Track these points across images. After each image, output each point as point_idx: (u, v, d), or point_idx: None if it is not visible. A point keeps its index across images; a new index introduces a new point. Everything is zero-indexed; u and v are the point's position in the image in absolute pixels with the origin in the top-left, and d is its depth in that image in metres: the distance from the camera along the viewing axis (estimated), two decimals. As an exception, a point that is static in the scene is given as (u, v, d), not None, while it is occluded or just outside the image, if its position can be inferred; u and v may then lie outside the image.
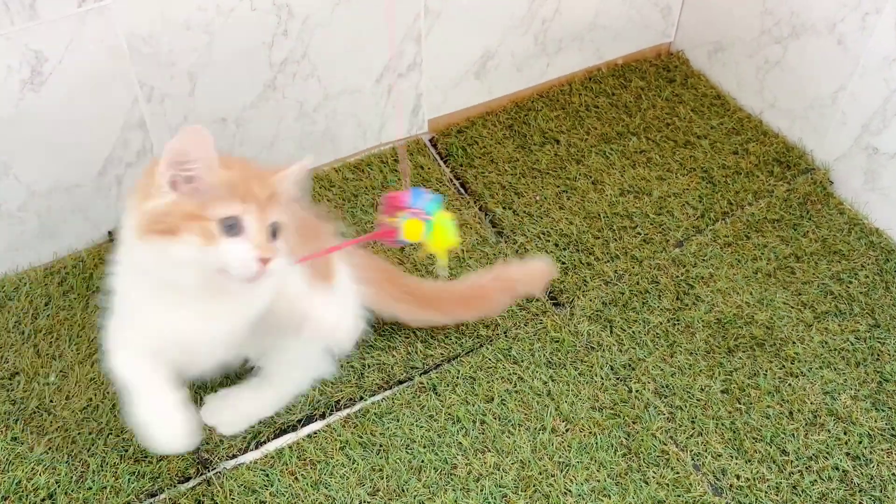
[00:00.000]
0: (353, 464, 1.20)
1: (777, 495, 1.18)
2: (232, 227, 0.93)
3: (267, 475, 1.18)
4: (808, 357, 1.33)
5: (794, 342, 1.34)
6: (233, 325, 1.05)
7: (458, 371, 1.31)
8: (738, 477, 1.20)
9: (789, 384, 1.29)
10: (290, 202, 1.02)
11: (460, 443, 1.23)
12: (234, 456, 1.21)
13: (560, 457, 1.22)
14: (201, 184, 0.93)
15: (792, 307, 1.39)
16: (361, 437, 1.23)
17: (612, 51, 1.82)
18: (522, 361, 1.33)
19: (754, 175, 1.60)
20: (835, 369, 1.31)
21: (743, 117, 1.72)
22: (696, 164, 1.62)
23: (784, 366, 1.32)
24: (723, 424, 1.25)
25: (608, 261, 1.46)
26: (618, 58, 1.84)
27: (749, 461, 1.21)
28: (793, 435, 1.24)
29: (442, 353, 1.33)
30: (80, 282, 1.40)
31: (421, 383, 1.29)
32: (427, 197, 1.05)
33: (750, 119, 1.72)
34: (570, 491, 1.18)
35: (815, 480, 1.19)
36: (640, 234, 1.51)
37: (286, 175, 1.00)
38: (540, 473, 1.20)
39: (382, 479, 1.19)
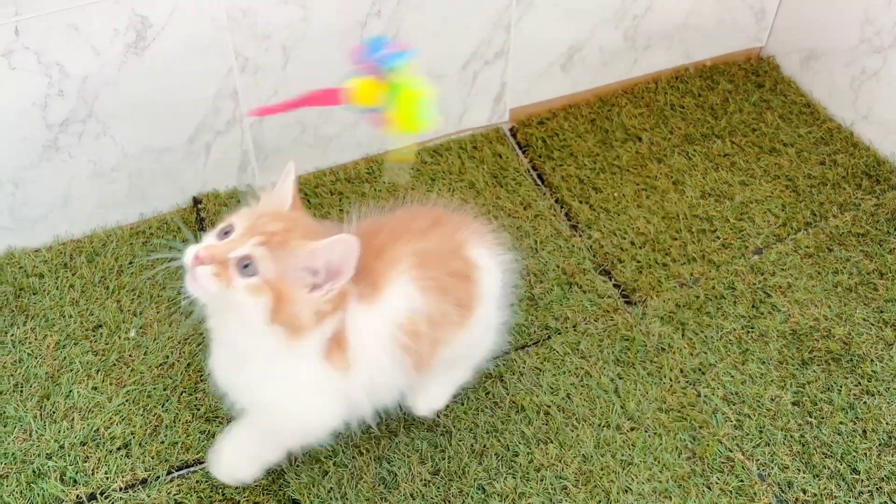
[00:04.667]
0: (416, 442, 1.21)
1: (844, 514, 1.15)
2: (227, 234, 0.92)
3: (332, 447, 1.20)
4: (887, 376, 1.29)
5: (872, 360, 1.31)
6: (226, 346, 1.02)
7: (525, 361, 1.31)
8: (804, 491, 1.17)
9: (864, 402, 1.26)
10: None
11: (523, 432, 1.23)
12: (302, 424, 1.24)
13: (623, 455, 1.21)
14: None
15: (872, 324, 1.36)
16: (426, 419, 1.24)
17: (701, 52, 1.79)
18: (591, 357, 1.32)
19: (841, 187, 1.56)
20: (913, 391, 1.28)
21: (833, 127, 1.67)
22: (781, 172, 1.59)
23: (860, 383, 1.29)
24: (792, 437, 1.23)
25: (684, 263, 1.45)
26: (706, 59, 1.81)
27: (817, 476, 1.19)
28: (865, 454, 1.21)
29: (510, 342, 1.34)
30: (163, 243, 1.45)
31: (487, 370, 1.30)
32: (390, 48, 0.83)
33: (840, 130, 1.67)
34: (630, 489, 1.18)
35: (886, 502, 1.16)
36: (719, 239, 1.48)
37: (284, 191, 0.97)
38: (601, 469, 1.19)
39: (444, 459, 1.20)
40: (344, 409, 1.04)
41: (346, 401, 1.04)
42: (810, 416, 1.25)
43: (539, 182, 1.60)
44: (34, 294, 1.37)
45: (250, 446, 1.12)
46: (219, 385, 1.05)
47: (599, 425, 1.24)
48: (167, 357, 1.30)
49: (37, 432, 1.20)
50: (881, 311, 1.37)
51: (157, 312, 1.35)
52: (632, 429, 1.24)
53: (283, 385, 1.00)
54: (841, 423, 1.24)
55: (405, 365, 1.03)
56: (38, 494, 1.14)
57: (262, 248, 0.89)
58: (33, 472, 1.16)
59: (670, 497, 1.17)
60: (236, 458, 1.12)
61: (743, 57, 1.83)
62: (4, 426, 1.21)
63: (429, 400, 1.21)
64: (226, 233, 0.92)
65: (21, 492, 1.15)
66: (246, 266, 0.89)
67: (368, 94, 0.83)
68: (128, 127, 1.37)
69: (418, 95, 0.85)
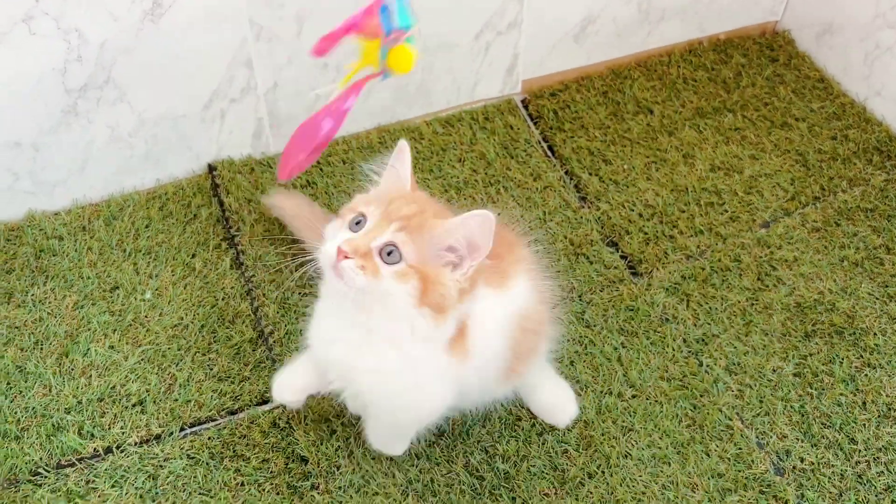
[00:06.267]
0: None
1: (840, 482, 1.17)
2: (359, 224, 0.91)
3: (340, 407, 1.23)
4: (889, 350, 1.30)
5: (875, 333, 1.32)
6: (368, 357, 0.98)
7: (531, 328, 1.33)
8: (801, 459, 1.20)
9: (865, 374, 1.28)
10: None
11: (527, 397, 1.26)
12: (311, 385, 1.27)
13: (624, 421, 1.24)
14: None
15: (877, 298, 1.37)
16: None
17: (716, 25, 1.78)
18: (595, 326, 1.34)
19: (851, 162, 1.56)
20: (915, 365, 1.29)
21: (846, 103, 1.67)
22: (792, 147, 1.59)
23: (862, 356, 1.30)
24: (791, 407, 1.25)
25: (692, 235, 1.46)
26: (720, 33, 1.80)
27: (815, 445, 1.21)
28: (864, 425, 1.23)
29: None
30: (179, 208, 1.48)
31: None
32: (393, 7, 0.90)
33: (853, 105, 1.67)
34: (630, 454, 1.20)
35: (882, 472, 1.18)
36: (727, 212, 1.49)
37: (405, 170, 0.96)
38: (602, 434, 1.22)
39: (449, 422, 1.23)
40: (454, 397, 1.05)
41: (458, 389, 1.04)
42: (811, 388, 1.27)
43: (549, 154, 1.61)
44: (54, 256, 1.40)
45: None
46: (332, 370, 1.03)
47: (601, 392, 1.26)
48: (181, 318, 1.33)
49: (56, 388, 1.25)
50: (886, 286, 1.38)
51: (173, 275, 1.38)
52: (633, 396, 1.26)
53: (412, 370, 0.98)
54: (841, 394, 1.26)
55: (507, 360, 1.05)
56: (58, 447, 1.19)
57: (402, 233, 0.88)
58: (53, 425, 1.21)
59: (669, 463, 1.19)
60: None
61: (758, 31, 1.82)
62: (25, 381, 1.25)
63: (566, 406, 1.24)
64: (357, 223, 0.91)
65: (41, 444, 1.19)
66: (390, 253, 0.88)
67: (405, 59, 0.90)
68: (145, 93, 1.40)
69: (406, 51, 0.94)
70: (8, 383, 1.25)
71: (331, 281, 0.91)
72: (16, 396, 1.24)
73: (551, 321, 1.14)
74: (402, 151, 0.95)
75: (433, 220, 0.91)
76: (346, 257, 0.87)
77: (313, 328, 1.04)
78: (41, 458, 1.18)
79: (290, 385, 1.12)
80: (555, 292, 1.14)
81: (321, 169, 1.55)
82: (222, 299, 1.36)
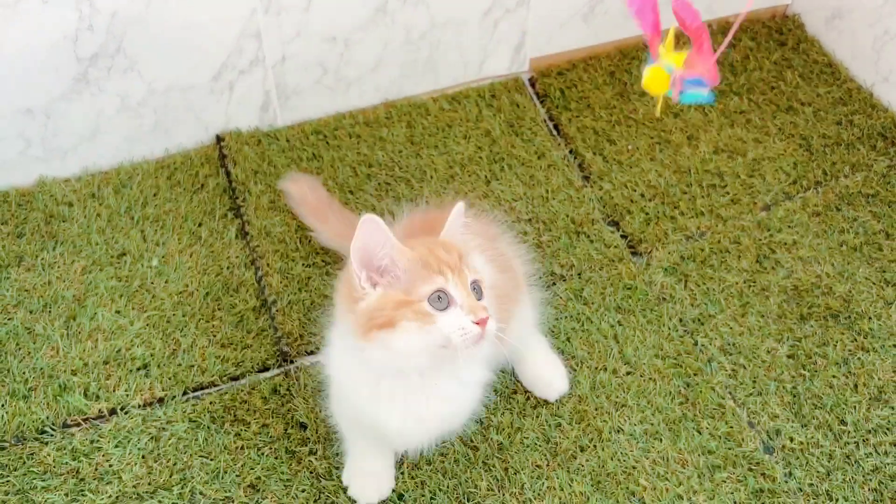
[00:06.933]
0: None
1: (829, 462, 1.19)
2: (441, 299, 0.92)
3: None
4: (883, 334, 1.32)
5: (870, 318, 1.33)
6: (460, 406, 1.05)
7: (530, 304, 1.35)
8: (791, 439, 1.21)
9: (858, 358, 1.29)
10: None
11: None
12: (312, 353, 1.30)
13: (617, 397, 1.26)
14: (396, 269, 0.93)
15: (874, 283, 1.38)
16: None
17: (725, 8, 1.78)
18: (592, 303, 1.36)
19: (855, 147, 1.57)
20: (909, 350, 1.30)
21: (853, 88, 1.67)
22: (796, 131, 1.60)
23: (856, 339, 1.31)
24: (784, 388, 1.27)
25: (692, 216, 1.47)
26: (730, 16, 1.80)
27: (805, 426, 1.23)
28: (854, 407, 1.24)
29: (516, 285, 1.38)
30: (186, 178, 1.50)
31: (492, 310, 1.34)
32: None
33: (860, 91, 1.67)
34: (622, 429, 1.22)
35: (871, 453, 1.20)
36: (729, 194, 1.50)
37: (451, 225, 0.99)
38: (595, 409, 1.24)
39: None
40: None
41: None
42: (804, 369, 1.28)
43: (554, 132, 1.62)
44: (63, 221, 1.43)
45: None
46: (427, 437, 1.06)
47: (596, 368, 1.29)
48: (187, 286, 1.36)
49: (63, 350, 1.28)
50: (884, 271, 1.39)
51: (179, 243, 1.41)
52: (628, 373, 1.28)
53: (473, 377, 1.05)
54: (833, 376, 1.27)
55: None
56: (64, 406, 1.22)
57: (465, 270, 0.95)
58: (59, 386, 1.24)
59: (660, 439, 1.21)
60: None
61: (768, 14, 1.82)
62: (34, 343, 1.28)
63: (553, 382, 1.26)
64: (438, 298, 0.92)
65: (48, 403, 1.22)
66: (476, 289, 0.95)
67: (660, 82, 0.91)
68: (155, 63, 1.42)
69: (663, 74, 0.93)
70: (17, 344, 1.28)
71: (480, 350, 0.93)
72: (24, 357, 1.27)
73: (522, 287, 1.18)
74: (459, 213, 0.99)
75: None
76: (487, 320, 0.91)
77: (394, 420, 1.01)
78: (48, 417, 1.21)
79: (377, 486, 1.15)
80: (523, 258, 1.20)
81: (327, 143, 1.57)
82: (227, 268, 1.38)
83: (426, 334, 0.91)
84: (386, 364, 0.95)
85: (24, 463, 1.17)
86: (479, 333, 0.91)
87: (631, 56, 1.73)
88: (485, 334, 0.91)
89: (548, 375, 1.26)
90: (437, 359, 0.94)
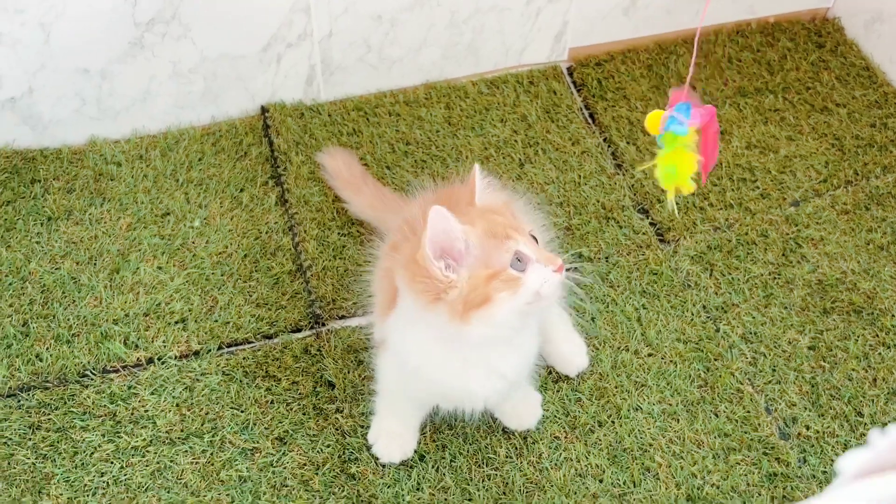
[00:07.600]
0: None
1: (844, 451, 1.21)
2: (520, 260, 0.96)
3: (368, 339, 1.30)
4: (905, 332, 1.33)
5: (893, 315, 1.35)
6: (529, 354, 1.10)
7: (557, 283, 1.38)
8: (807, 427, 1.24)
9: (879, 353, 1.31)
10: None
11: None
12: (344, 317, 1.34)
13: (637, 377, 1.29)
14: (472, 249, 0.95)
15: (898, 282, 1.39)
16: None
17: (767, 8, 1.80)
18: (618, 287, 1.39)
19: (888, 150, 1.58)
20: (930, 349, 1.32)
21: (889, 92, 1.68)
22: (829, 131, 1.62)
23: (878, 335, 1.33)
24: (803, 377, 1.29)
25: (721, 208, 1.49)
26: (770, 16, 1.82)
27: (822, 416, 1.25)
28: (872, 400, 1.26)
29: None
30: (231, 145, 1.55)
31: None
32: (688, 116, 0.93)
33: (896, 95, 1.68)
34: (640, 408, 1.25)
35: (885, 446, 1.21)
36: (759, 189, 1.52)
37: (480, 189, 1.03)
38: (615, 387, 1.27)
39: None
40: None
41: None
42: (824, 361, 1.30)
43: (590, 121, 1.65)
44: (111, 180, 1.49)
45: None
46: (500, 393, 1.10)
47: (619, 348, 1.32)
48: (226, 247, 1.41)
49: (106, 300, 1.33)
50: (909, 271, 1.41)
51: (221, 206, 1.46)
52: (649, 355, 1.31)
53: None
54: (853, 369, 1.29)
55: None
56: (104, 353, 1.28)
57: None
58: (101, 333, 1.29)
59: (678, 419, 1.24)
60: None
61: (808, 16, 1.84)
62: (79, 292, 1.34)
63: (574, 358, 1.30)
64: (518, 259, 0.96)
65: (90, 349, 1.28)
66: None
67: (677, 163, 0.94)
68: (207, 31, 1.47)
69: (685, 157, 0.96)
70: (63, 292, 1.34)
71: (557, 293, 0.99)
72: (69, 305, 1.33)
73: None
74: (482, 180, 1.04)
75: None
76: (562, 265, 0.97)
77: (480, 382, 1.06)
78: (88, 362, 1.27)
79: (401, 447, 1.20)
80: (537, 224, 1.23)
81: (367, 119, 1.61)
82: (265, 233, 1.43)
83: (519, 297, 0.95)
84: (487, 337, 0.98)
85: (66, 403, 1.23)
86: (560, 279, 0.97)
87: (669, 51, 1.75)
88: (561, 278, 0.97)
89: (568, 351, 1.29)
90: (527, 316, 0.99)
